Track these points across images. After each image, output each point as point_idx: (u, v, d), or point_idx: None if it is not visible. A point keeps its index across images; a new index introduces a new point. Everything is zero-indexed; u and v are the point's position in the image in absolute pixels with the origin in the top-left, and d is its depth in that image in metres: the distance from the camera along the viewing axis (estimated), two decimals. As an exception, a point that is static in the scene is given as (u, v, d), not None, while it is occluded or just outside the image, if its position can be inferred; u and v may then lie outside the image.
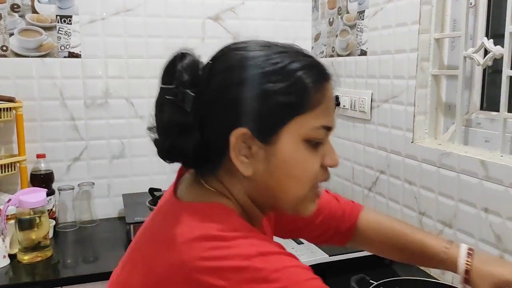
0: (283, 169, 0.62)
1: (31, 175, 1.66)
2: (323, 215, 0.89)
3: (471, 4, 1.24)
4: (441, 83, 1.34)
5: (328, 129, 0.63)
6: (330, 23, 1.81)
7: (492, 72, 1.28)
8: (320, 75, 0.63)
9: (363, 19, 1.57)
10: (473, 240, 1.12)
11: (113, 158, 1.80)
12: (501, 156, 1.10)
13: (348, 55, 1.69)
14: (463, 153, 1.16)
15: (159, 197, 1.67)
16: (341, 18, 1.72)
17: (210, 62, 0.64)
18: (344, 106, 1.71)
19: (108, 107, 1.78)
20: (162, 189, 1.78)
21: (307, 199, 0.65)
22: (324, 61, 1.85)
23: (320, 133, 0.62)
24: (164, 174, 1.84)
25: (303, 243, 1.35)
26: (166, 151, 0.64)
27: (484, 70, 1.28)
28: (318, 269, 1.21)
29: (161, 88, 0.63)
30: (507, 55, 1.07)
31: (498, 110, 1.19)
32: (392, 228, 0.89)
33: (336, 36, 1.76)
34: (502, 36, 1.11)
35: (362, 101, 1.59)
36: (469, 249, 0.80)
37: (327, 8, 1.84)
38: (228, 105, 0.61)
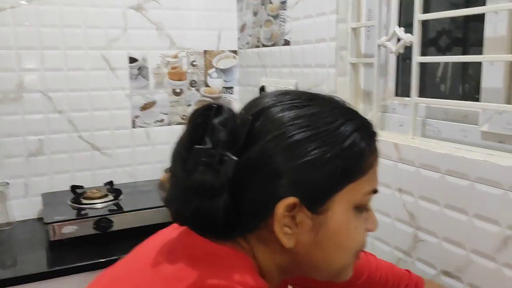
0: (333, 240, 0.56)
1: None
2: (364, 277, 0.85)
3: (383, -6, 1.29)
4: (359, 71, 1.39)
5: (376, 192, 0.59)
6: (255, 14, 1.81)
7: (405, 60, 1.34)
8: (372, 135, 0.59)
9: (285, 9, 1.59)
10: (389, 220, 1.18)
11: (30, 156, 1.69)
12: (413, 138, 1.16)
13: (273, 45, 1.70)
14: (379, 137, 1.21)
15: (82, 194, 1.60)
16: (265, 8, 1.73)
17: (250, 118, 0.55)
18: (270, 96, 1.72)
19: (22, 102, 1.66)
20: (84, 186, 1.71)
21: (349, 265, 0.60)
22: (250, 52, 1.88)
23: (369, 199, 0.58)
24: (88, 170, 1.76)
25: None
26: (189, 216, 0.56)
27: (398, 58, 1.34)
28: None
29: (195, 149, 0.53)
30: (416, 42, 1.12)
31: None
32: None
33: (261, 26, 1.77)
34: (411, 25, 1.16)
35: (287, 90, 1.61)
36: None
37: (251, -1, 1.84)
38: (276, 171, 0.54)
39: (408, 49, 1.19)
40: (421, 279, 0.91)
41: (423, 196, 1.07)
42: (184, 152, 0.54)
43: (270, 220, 0.55)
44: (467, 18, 1.17)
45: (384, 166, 1.17)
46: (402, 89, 1.35)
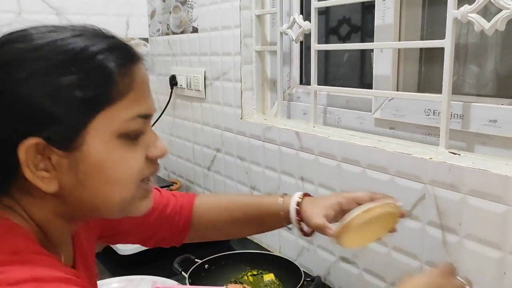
0: (97, 176, 0.52)
1: None
2: (157, 212, 0.80)
3: (284, -19, 1.27)
4: (265, 59, 1.37)
5: (146, 117, 0.55)
6: (164, 0, 1.74)
7: (308, 48, 1.34)
8: (125, 57, 0.53)
9: (192, -5, 1.53)
10: (293, 209, 1.18)
11: None
12: (313, 127, 1.16)
13: (182, 32, 1.64)
14: (283, 126, 1.20)
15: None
16: (173, -7, 1.66)
17: None
18: (181, 85, 1.66)
19: None
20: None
21: (136, 199, 0.56)
22: (161, 40, 1.80)
23: (137, 124, 0.53)
24: None
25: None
26: None
27: (302, 46, 1.33)
28: (146, 255, 1.16)
29: None
30: (314, 30, 1.12)
31: (319, 84, 1.26)
32: (229, 200, 0.87)
33: (170, 13, 1.70)
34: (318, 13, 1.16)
35: (196, 79, 1.56)
36: (304, 194, 0.79)
37: (160, -17, 1.76)
38: (9, 111, 0.48)
39: (309, 37, 1.18)
40: (192, 196, 0.87)
41: (322, 184, 1.08)
42: None
43: (23, 169, 0.50)
44: (364, 7, 1.18)
45: (287, 155, 1.17)
46: (307, 78, 1.35)
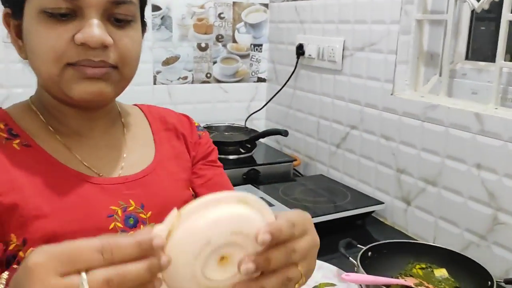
0: (28, 46, 0.59)
1: None
2: None
3: None
4: (424, 29, 1.23)
5: None
6: (294, -38, 1.62)
7: (478, 20, 1.19)
8: None
9: (335, -44, 1.40)
10: (461, 199, 1.06)
11: None
12: (496, 108, 1.02)
13: (316, -2, 1.52)
14: (452, 105, 1.07)
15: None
16: (308, -45, 1.54)
17: None
18: (310, 55, 1.55)
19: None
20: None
21: (66, 81, 0.57)
22: (285, 6, 1.70)
23: (55, 2, 0.54)
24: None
25: (273, 205, 1.22)
26: None
27: (471, 17, 1.18)
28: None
29: None
30: (509, -4, 0.97)
31: (484, 60, 1.11)
32: None
33: (301, -24, 1.59)
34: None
35: (332, 49, 1.45)
36: None
37: None
38: None
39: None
40: None
41: (509, 174, 0.95)
42: None
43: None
44: None
45: (459, 139, 1.04)
46: (473, 52, 1.20)
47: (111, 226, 0.59)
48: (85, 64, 0.56)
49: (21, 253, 0.54)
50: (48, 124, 0.63)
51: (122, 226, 0.60)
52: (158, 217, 0.60)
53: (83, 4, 0.55)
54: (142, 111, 0.75)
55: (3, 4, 0.61)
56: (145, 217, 0.62)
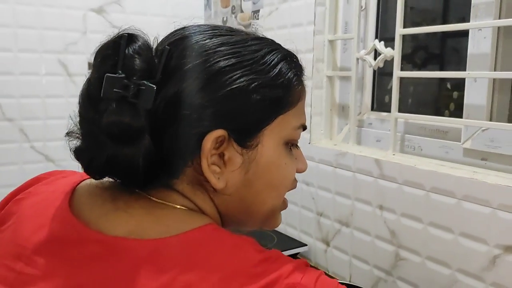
0: (263, 177, 0.52)
1: None
2: None
3: (362, 7, 1.27)
4: (335, 84, 1.36)
5: (305, 128, 0.57)
6: (224, 22, 1.75)
7: (380, 74, 1.33)
8: (299, 67, 0.56)
9: (258, 19, 1.55)
10: (369, 238, 1.15)
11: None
12: (393, 154, 1.14)
13: (243, 55, 1.65)
14: (358, 152, 1.18)
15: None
16: (235, 17, 1.68)
17: (167, 46, 0.49)
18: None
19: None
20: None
21: (278, 210, 0.57)
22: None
23: (298, 134, 0.55)
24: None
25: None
26: (103, 164, 0.46)
27: (374, 72, 1.32)
28: None
29: (106, 77, 0.44)
30: (397, 56, 1.11)
31: (386, 111, 1.24)
32: None
33: (230, 35, 1.71)
34: (389, 39, 1.15)
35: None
36: None
37: (220, 7, 1.78)
38: (200, 103, 0.48)
39: (384, 63, 1.17)
40: None
41: (405, 214, 1.05)
42: (95, 91, 0.45)
43: (196, 160, 0.50)
44: (444, 34, 1.17)
45: (364, 182, 1.15)
46: (377, 104, 1.34)
47: None
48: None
49: None
50: None
51: None
52: None
53: None
54: None
55: (216, 125, 0.49)
56: None
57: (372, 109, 1.34)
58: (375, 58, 1.21)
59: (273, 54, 0.52)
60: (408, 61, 1.28)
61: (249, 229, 0.59)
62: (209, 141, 0.48)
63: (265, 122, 0.51)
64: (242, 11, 1.63)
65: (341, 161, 1.22)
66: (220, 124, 0.49)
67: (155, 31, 1.83)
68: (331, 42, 1.32)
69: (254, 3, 1.56)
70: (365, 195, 1.15)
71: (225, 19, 1.75)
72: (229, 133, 0.49)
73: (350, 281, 1.21)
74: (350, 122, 1.28)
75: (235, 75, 0.49)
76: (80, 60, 1.66)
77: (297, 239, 1.39)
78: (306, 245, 1.34)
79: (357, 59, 1.24)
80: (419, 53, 1.25)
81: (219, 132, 0.49)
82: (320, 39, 1.32)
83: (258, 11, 1.54)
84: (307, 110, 1.34)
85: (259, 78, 0.50)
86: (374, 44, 1.18)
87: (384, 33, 1.29)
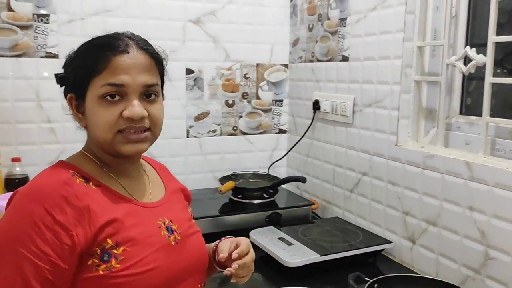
0: (90, 120, 0.83)
1: (6, 179, 1.58)
2: None
3: (453, 15, 1.31)
4: (422, 89, 1.41)
5: (113, 85, 0.79)
6: (310, 29, 1.85)
7: (469, 79, 1.37)
8: (109, 50, 0.80)
9: (345, 26, 1.63)
10: (458, 237, 1.19)
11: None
12: (484, 157, 1.17)
13: (329, 60, 1.74)
14: (447, 155, 1.23)
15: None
16: (322, 24, 1.77)
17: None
18: (325, 110, 1.75)
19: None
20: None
21: (117, 143, 0.82)
22: (303, 66, 1.92)
23: (106, 89, 0.79)
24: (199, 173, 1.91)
25: (293, 244, 1.37)
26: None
27: (463, 77, 1.36)
28: (312, 267, 1.24)
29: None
30: (489, 63, 1.15)
31: (475, 115, 1.28)
32: None
33: (316, 42, 1.81)
34: (480, 45, 1.19)
35: (344, 105, 1.64)
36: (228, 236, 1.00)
37: (306, 15, 1.88)
38: (66, 79, 0.86)
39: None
40: None
41: (496, 215, 1.09)
42: None
43: None
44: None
45: (453, 184, 1.19)
46: (466, 108, 1.37)
47: (162, 233, 0.85)
48: (130, 130, 0.82)
49: (115, 251, 0.77)
50: (103, 168, 0.86)
51: (166, 233, 0.86)
52: (179, 228, 0.89)
53: (127, 90, 0.81)
54: (146, 160, 1.01)
55: (69, 92, 0.86)
56: (175, 228, 0.88)
57: (461, 113, 1.37)
58: (465, 64, 1.25)
59: (90, 43, 0.84)
60: (497, 66, 1.30)
61: (116, 153, 0.85)
62: (67, 100, 0.86)
63: (84, 87, 0.82)
64: (329, 19, 1.72)
65: (429, 163, 1.27)
66: (70, 90, 0.86)
67: (245, 38, 2.01)
68: (420, 48, 1.37)
69: (341, 11, 1.64)
70: (454, 196, 1.20)
71: (311, 26, 1.85)
72: (74, 96, 0.85)
73: (437, 277, 1.26)
74: (438, 125, 1.33)
75: (68, 62, 0.86)
76: (179, 66, 1.84)
77: (382, 236, 1.45)
78: (391, 242, 1.40)
79: (447, 64, 1.29)
80: (510, 58, 1.27)
81: (69, 95, 0.86)
82: (409, 45, 1.37)
83: (346, 18, 1.62)
84: (395, 113, 1.41)
85: (79, 61, 0.83)
86: (466, 51, 1.22)
87: (473, 39, 1.32)
